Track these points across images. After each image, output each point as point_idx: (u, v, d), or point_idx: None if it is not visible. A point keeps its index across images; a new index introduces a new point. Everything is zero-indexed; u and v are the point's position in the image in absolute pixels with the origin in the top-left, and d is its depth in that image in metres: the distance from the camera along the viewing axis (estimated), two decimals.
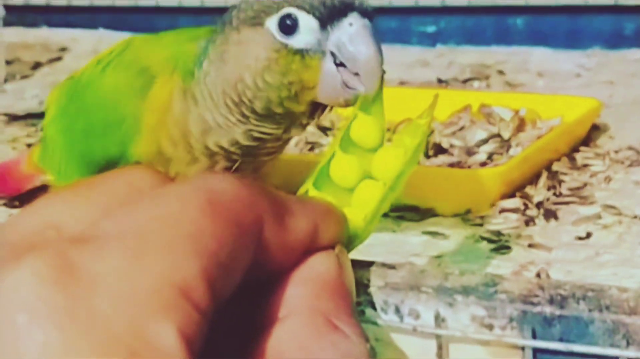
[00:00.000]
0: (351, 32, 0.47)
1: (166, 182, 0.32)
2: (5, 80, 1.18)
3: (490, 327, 0.39)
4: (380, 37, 0.47)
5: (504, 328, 0.39)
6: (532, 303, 0.38)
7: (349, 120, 0.40)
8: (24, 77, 1.21)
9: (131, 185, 0.32)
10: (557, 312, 0.38)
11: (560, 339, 0.38)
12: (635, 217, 0.68)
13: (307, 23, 0.48)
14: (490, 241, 0.66)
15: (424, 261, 0.63)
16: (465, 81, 1.08)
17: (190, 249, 0.27)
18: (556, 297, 0.38)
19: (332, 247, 0.34)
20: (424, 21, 1.25)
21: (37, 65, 1.25)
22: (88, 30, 1.37)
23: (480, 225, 0.69)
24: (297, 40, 0.48)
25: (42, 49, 1.32)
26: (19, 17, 1.33)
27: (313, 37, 0.48)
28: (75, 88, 0.58)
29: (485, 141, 0.83)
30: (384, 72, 0.45)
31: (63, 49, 1.31)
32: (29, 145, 0.94)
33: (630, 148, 0.82)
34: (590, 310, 0.38)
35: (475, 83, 1.07)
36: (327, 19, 0.47)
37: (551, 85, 1.04)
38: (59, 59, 1.29)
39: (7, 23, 1.23)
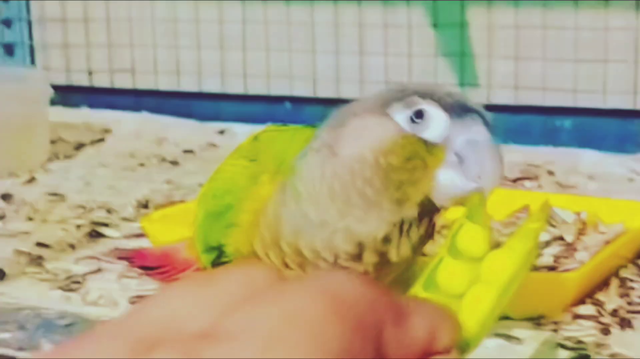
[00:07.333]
0: (477, 139, 0.49)
1: (282, 280, 0.32)
2: (49, 159, 1.18)
3: None
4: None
5: None
6: None
7: (455, 227, 0.39)
8: (67, 157, 1.21)
9: (247, 283, 0.31)
10: None
11: None
12: None
13: (438, 118, 0.49)
14: (568, 348, 0.65)
15: None
16: (515, 180, 1.08)
17: (315, 350, 0.27)
18: None
19: (447, 352, 0.33)
20: None
21: (79, 146, 1.25)
22: (131, 113, 1.37)
23: (555, 331, 0.67)
24: (427, 132, 0.49)
25: (85, 130, 1.32)
26: (61, 97, 1.33)
27: (442, 131, 0.49)
28: (214, 171, 0.59)
29: (547, 243, 0.82)
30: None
31: (106, 131, 1.31)
32: (79, 226, 0.93)
33: None
34: None
35: (527, 183, 1.06)
36: (456, 117, 0.49)
37: (604, 189, 1.03)
38: (101, 140, 1.28)
39: (50, 102, 1.23)
